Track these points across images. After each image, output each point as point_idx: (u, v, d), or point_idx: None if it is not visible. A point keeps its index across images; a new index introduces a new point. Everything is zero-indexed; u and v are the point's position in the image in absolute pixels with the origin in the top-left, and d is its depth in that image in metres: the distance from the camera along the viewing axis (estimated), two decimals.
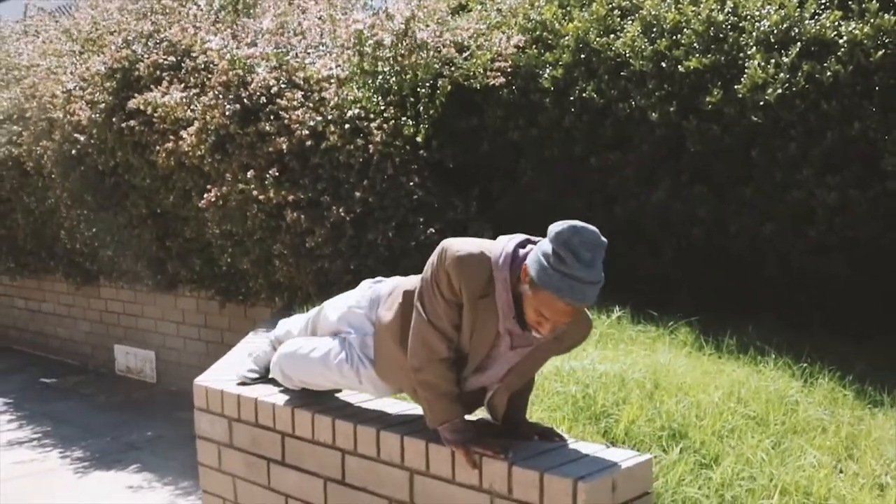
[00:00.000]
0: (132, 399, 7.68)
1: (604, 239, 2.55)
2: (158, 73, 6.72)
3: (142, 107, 6.42)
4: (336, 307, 3.43)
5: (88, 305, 8.87)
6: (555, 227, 2.51)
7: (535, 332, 2.66)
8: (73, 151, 7.25)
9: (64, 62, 8.04)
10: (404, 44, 5.58)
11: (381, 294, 3.21)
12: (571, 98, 5.35)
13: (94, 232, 7.69)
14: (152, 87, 6.56)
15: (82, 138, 7.15)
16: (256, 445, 3.73)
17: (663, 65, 4.93)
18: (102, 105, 7.00)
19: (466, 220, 5.83)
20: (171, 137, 6.30)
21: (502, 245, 2.73)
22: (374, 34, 5.65)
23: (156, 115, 6.40)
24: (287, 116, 5.67)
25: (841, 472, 3.33)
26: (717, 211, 4.92)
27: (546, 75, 5.46)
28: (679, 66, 4.83)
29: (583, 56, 5.36)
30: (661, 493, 3.12)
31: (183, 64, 6.66)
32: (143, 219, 7.26)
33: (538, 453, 2.87)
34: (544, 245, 2.54)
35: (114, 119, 6.85)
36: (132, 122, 6.66)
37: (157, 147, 6.46)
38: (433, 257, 2.79)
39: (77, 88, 7.37)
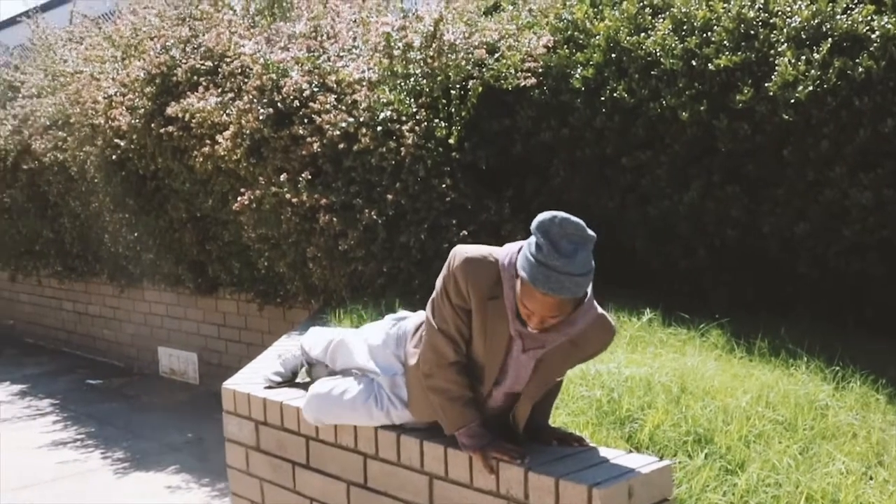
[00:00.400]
0: (174, 400, 7.78)
1: (591, 233, 2.54)
2: (196, 78, 6.80)
3: (179, 114, 6.50)
4: (358, 343, 3.41)
5: (133, 308, 9.01)
6: (538, 217, 2.53)
7: (529, 326, 2.65)
8: (114, 157, 7.37)
9: (106, 68, 8.16)
10: (433, 46, 5.58)
11: (406, 331, 3.19)
12: (602, 98, 5.31)
13: (136, 235, 7.81)
14: (189, 92, 6.64)
15: (122, 143, 7.26)
16: (282, 449, 3.76)
17: (693, 63, 4.88)
18: (142, 110, 7.10)
19: (500, 221, 5.81)
20: (208, 142, 6.37)
21: (510, 248, 2.74)
22: (402, 36, 5.65)
23: (193, 120, 6.47)
24: (319, 119, 5.70)
25: (870, 478, 3.26)
26: (750, 211, 4.85)
27: (577, 75, 5.43)
28: (709, 65, 4.77)
29: (613, 55, 5.32)
30: (685, 500, 3.09)
31: (220, 69, 6.73)
32: (184, 222, 7.35)
33: (555, 459, 2.86)
34: (531, 236, 2.55)
35: (152, 124, 6.95)
36: (170, 128, 6.75)
37: (195, 152, 6.54)
38: (445, 265, 2.80)
39: (118, 94, 7.48)
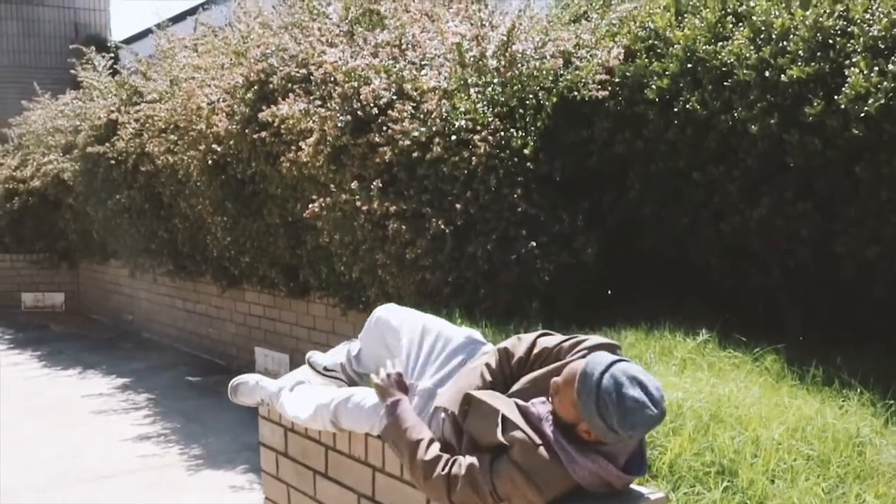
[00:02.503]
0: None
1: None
2: (290, 85, 6.92)
3: (270, 119, 6.62)
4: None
5: (235, 308, 9.25)
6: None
7: None
8: (210, 161, 7.58)
9: (213, 75, 8.43)
10: (506, 56, 5.50)
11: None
12: (675, 110, 5.11)
13: (234, 238, 8.01)
14: (282, 99, 6.76)
15: (219, 148, 7.46)
16: (305, 456, 3.77)
17: (767, 74, 4.63)
18: (238, 116, 7.29)
19: (573, 233, 5.68)
20: (293, 148, 6.47)
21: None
22: (475, 45, 5.60)
23: (283, 126, 6.59)
24: (393, 128, 5.71)
25: None
26: (822, 230, 4.57)
27: (653, 86, 5.25)
28: (782, 76, 4.52)
29: (689, 66, 5.12)
30: None
31: (311, 76, 6.83)
32: (278, 227, 7.49)
33: None
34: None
35: (247, 129, 7.12)
36: (263, 133, 6.90)
37: (282, 157, 6.66)
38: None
39: (220, 100, 7.71)
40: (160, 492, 5.55)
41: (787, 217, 4.68)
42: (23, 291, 13.76)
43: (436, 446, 2.86)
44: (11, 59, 18.83)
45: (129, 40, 16.66)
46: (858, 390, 3.81)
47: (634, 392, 2.52)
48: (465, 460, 2.74)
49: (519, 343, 3.03)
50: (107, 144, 10.01)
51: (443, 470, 2.76)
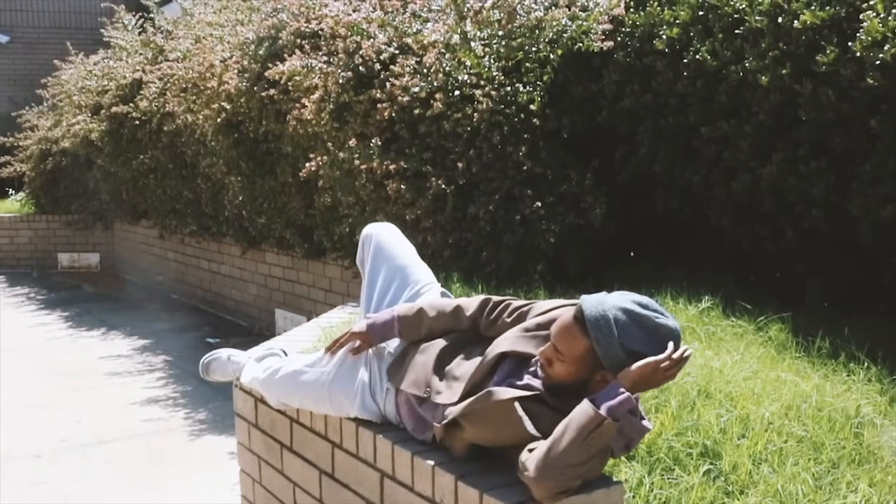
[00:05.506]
0: None
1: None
2: (299, 41, 6.71)
3: (277, 77, 6.42)
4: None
5: (256, 270, 9.14)
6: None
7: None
8: (219, 119, 7.42)
9: (228, 31, 8.24)
10: (505, 6, 5.22)
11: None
12: (685, 61, 4.80)
13: (250, 198, 7.86)
14: (289, 55, 6.56)
15: (229, 107, 7.30)
16: (273, 429, 3.61)
17: (780, 20, 4.30)
18: (248, 74, 7.11)
19: (581, 193, 5.42)
20: (297, 105, 6.28)
21: None
22: None
23: (290, 83, 6.39)
24: (394, 83, 5.48)
25: None
26: (836, 189, 4.25)
27: (663, 35, 4.94)
28: (795, 22, 4.19)
29: (701, 13, 4.79)
30: None
31: (321, 32, 6.60)
32: (290, 186, 7.32)
33: (492, 470, 2.54)
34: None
35: (255, 87, 6.94)
36: (272, 91, 6.71)
37: (289, 116, 6.47)
38: None
39: (231, 58, 7.53)
40: (154, 458, 5.44)
41: (799, 176, 4.37)
42: (59, 252, 13.82)
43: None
44: (52, 19, 18.89)
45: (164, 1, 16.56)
46: (865, 364, 3.53)
47: (648, 312, 2.34)
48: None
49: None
50: (131, 104, 9.92)
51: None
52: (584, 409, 2.25)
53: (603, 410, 2.22)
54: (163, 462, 5.38)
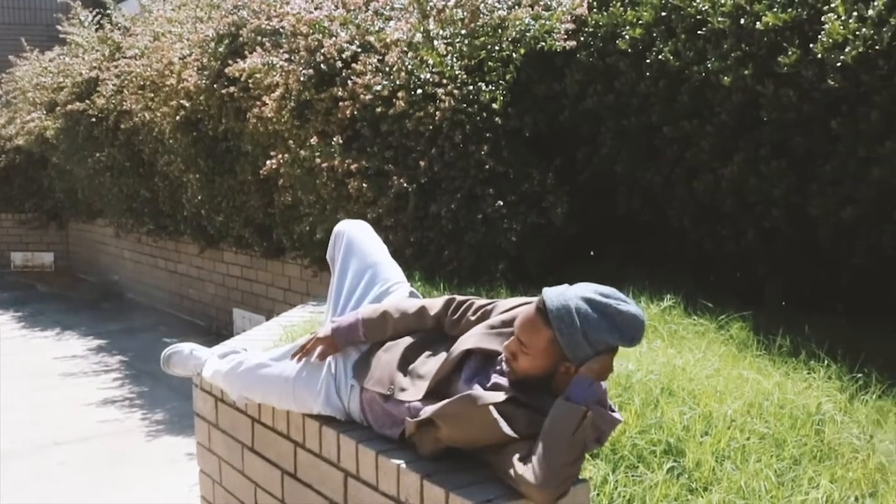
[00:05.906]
0: None
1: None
2: (260, 38, 6.64)
3: (237, 74, 6.35)
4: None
5: (214, 269, 9.04)
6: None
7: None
8: (178, 117, 7.34)
9: (187, 29, 8.15)
10: (467, 5, 5.21)
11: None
12: (648, 61, 4.83)
13: (209, 196, 7.78)
14: (250, 53, 6.49)
15: (188, 104, 7.22)
16: (234, 429, 3.57)
17: (742, 21, 4.34)
18: (208, 72, 7.03)
19: (542, 192, 5.44)
20: (258, 104, 6.22)
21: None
22: None
23: (250, 81, 6.33)
24: (356, 81, 5.44)
25: None
26: (796, 190, 4.30)
27: (625, 35, 4.96)
28: (758, 23, 4.23)
29: (663, 14, 4.82)
30: None
31: (282, 30, 6.55)
32: (250, 185, 7.25)
33: (457, 469, 2.52)
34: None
35: (215, 85, 6.86)
36: (232, 89, 6.64)
37: (249, 113, 6.41)
38: None
39: (191, 55, 7.44)
40: (112, 459, 5.36)
41: (760, 176, 4.41)
42: (12, 251, 13.59)
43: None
44: (6, 15, 18.56)
45: None
46: (825, 362, 3.57)
47: (609, 300, 2.33)
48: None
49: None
50: (87, 101, 9.77)
51: None
52: (562, 407, 2.25)
53: (581, 403, 2.22)
54: (122, 463, 5.30)
